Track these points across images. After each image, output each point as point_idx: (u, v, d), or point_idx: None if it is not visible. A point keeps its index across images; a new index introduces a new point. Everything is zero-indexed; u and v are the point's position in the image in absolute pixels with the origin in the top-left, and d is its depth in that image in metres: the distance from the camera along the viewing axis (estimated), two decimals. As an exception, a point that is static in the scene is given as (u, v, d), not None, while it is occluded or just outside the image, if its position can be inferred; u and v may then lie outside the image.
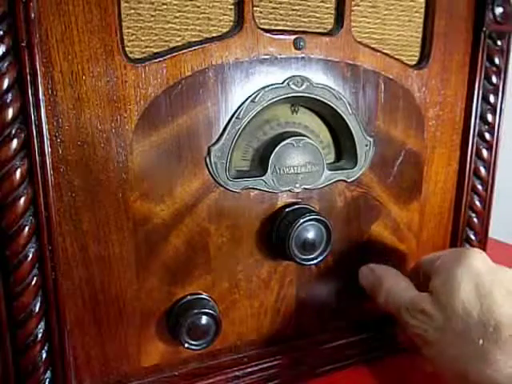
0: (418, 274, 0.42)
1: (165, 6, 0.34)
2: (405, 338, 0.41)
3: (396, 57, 0.43)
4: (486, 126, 0.49)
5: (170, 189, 0.37)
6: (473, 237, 0.51)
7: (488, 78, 0.47)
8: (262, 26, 0.37)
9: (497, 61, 0.47)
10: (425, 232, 0.49)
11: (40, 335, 0.34)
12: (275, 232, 0.40)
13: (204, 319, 0.38)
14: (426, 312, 0.37)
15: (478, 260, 0.37)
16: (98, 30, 0.32)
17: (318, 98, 0.40)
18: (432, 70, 0.45)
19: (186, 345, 0.38)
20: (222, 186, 0.38)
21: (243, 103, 0.37)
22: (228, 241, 0.40)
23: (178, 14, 0.35)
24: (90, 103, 0.33)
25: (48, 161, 0.32)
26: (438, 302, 0.36)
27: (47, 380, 0.35)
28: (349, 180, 0.43)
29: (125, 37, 0.33)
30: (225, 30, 0.36)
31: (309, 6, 0.39)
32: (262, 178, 0.39)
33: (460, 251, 0.39)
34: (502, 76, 0.48)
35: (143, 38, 0.34)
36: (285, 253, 0.40)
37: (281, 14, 0.38)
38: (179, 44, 0.35)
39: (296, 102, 0.41)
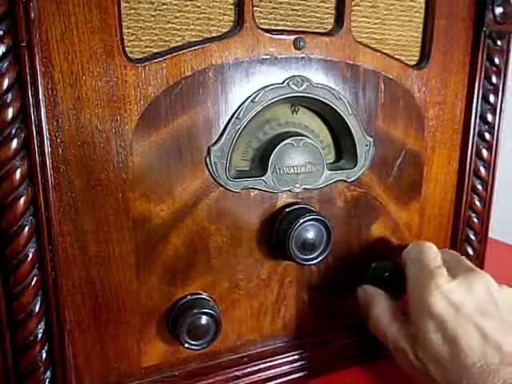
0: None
1: (165, 6, 0.34)
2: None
3: (396, 57, 0.43)
4: (486, 126, 0.49)
5: (170, 189, 0.37)
6: (473, 237, 0.51)
7: (488, 78, 0.47)
8: (262, 26, 0.37)
9: (497, 61, 0.47)
10: (425, 232, 0.49)
11: (40, 335, 0.34)
12: (275, 232, 0.40)
13: (204, 319, 0.38)
14: (407, 356, 0.38)
15: (440, 297, 0.36)
16: (98, 30, 0.32)
17: (317, 97, 0.40)
18: (432, 70, 0.45)
19: (186, 345, 0.38)
20: (222, 185, 0.38)
21: (243, 103, 0.37)
22: (228, 241, 0.40)
23: (178, 14, 0.35)
24: (89, 103, 0.33)
25: (48, 161, 0.32)
26: (414, 351, 0.37)
27: (47, 380, 0.35)
28: (349, 180, 0.43)
29: (125, 37, 0.33)
30: (225, 30, 0.36)
31: (309, 5, 0.39)
32: (262, 178, 0.39)
33: (423, 284, 0.38)
34: (502, 76, 0.48)
35: (143, 38, 0.34)
36: (285, 253, 0.40)
37: (281, 14, 0.38)
38: (179, 44, 0.35)
39: (296, 102, 0.41)
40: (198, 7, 0.35)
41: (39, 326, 0.33)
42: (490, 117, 0.48)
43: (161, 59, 0.34)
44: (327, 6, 0.40)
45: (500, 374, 0.32)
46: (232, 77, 0.36)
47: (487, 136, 0.49)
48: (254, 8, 0.37)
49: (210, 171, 0.37)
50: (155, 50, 0.35)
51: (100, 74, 0.33)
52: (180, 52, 0.35)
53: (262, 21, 0.38)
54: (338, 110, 0.41)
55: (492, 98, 0.48)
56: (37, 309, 0.33)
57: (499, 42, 0.47)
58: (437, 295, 0.36)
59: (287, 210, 0.40)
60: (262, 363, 0.43)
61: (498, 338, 0.34)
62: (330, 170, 0.42)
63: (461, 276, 0.37)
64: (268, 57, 0.37)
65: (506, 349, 0.33)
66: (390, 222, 0.47)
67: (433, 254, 0.41)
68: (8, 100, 0.30)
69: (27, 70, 0.30)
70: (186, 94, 0.35)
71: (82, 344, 0.37)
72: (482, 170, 0.50)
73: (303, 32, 0.39)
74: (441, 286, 0.36)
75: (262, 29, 0.37)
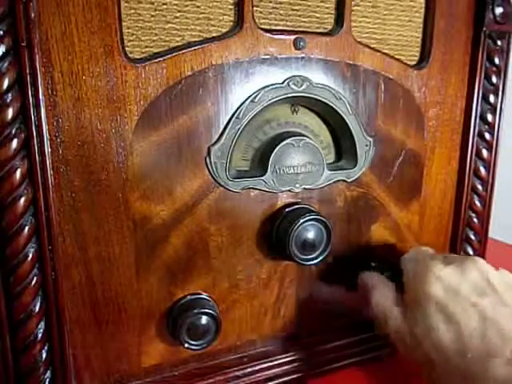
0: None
1: (165, 6, 0.34)
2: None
3: (396, 57, 0.43)
4: (486, 126, 0.49)
5: (170, 189, 0.36)
6: (473, 237, 0.51)
7: (488, 78, 0.47)
8: (262, 26, 0.37)
9: (497, 61, 0.47)
10: (425, 232, 0.49)
11: (40, 335, 0.34)
12: (275, 232, 0.40)
13: (204, 319, 0.38)
14: (407, 344, 0.37)
15: (437, 284, 0.37)
16: (98, 30, 0.32)
17: (318, 98, 0.40)
18: (432, 70, 0.45)
19: (186, 345, 0.38)
20: (222, 186, 0.38)
21: (243, 103, 0.37)
22: (228, 241, 0.40)
23: (178, 14, 0.35)
24: (90, 103, 0.33)
25: (48, 161, 0.32)
26: (414, 338, 0.37)
27: (47, 380, 0.35)
28: (349, 180, 0.43)
29: (125, 37, 0.33)
30: (225, 30, 0.36)
31: (309, 5, 0.39)
32: (262, 178, 0.39)
33: (421, 272, 0.39)
34: (502, 76, 0.48)
35: (143, 38, 0.34)
36: (285, 253, 0.40)
37: (281, 14, 0.38)
38: (179, 44, 0.35)
39: (296, 102, 0.41)
40: (198, 7, 0.35)
41: (39, 326, 0.33)
42: (490, 117, 0.48)
43: (161, 59, 0.34)
44: (327, 5, 0.40)
45: (500, 353, 0.32)
46: (232, 77, 0.36)
47: (487, 136, 0.49)
48: (254, 8, 0.37)
49: (210, 171, 0.37)
50: (155, 50, 0.35)
51: (100, 74, 0.33)
52: (180, 52, 0.35)
53: (262, 21, 0.38)
54: (338, 110, 0.41)
55: (492, 98, 0.48)
56: (37, 309, 0.33)
57: (499, 42, 0.47)
58: (435, 282, 0.37)
59: (287, 209, 0.40)
60: (262, 363, 0.43)
61: (496, 316, 0.34)
62: (330, 170, 0.42)
63: (455, 262, 0.38)
64: (268, 57, 0.37)
65: (506, 327, 0.33)
66: (390, 222, 0.47)
67: (428, 251, 0.42)
68: (8, 100, 0.30)
69: (27, 69, 0.30)
70: (186, 94, 0.35)
71: (81, 344, 0.37)
72: (482, 170, 0.50)
73: (303, 32, 0.39)
74: (437, 273, 0.37)
75: (262, 29, 0.37)
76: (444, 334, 0.35)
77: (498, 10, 0.45)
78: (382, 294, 0.41)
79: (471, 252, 0.52)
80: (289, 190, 0.41)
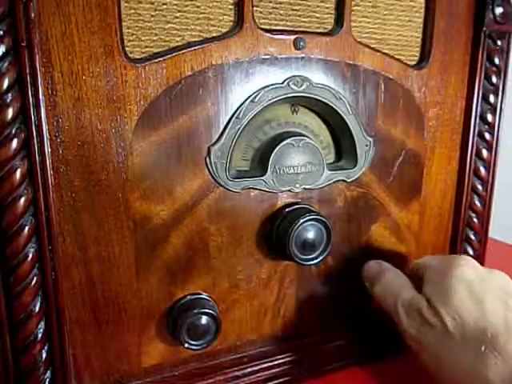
0: (411, 278, 0.43)
1: (165, 6, 0.34)
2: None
3: (396, 57, 0.43)
4: (486, 126, 0.49)
5: (170, 189, 0.37)
6: (473, 237, 0.51)
7: (488, 78, 0.47)
8: (262, 26, 0.37)
9: (497, 61, 0.47)
10: (425, 232, 0.49)
11: (40, 335, 0.34)
12: (275, 232, 0.40)
13: (204, 319, 0.38)
14: (422, 314, 0.37)
15: (469, 268, 0.38)
16: (98, 30, 0.32)
17: (318, 98, 0.40)
18: (432, 70, 0.45)
19: (186, 345, 0.38)
20: (222, 186, 0.38)
21: (243, 103, 0.37)
22: (228, 241, 0.40)
23: (178, 14, 0.35)
24: (90, 103, 0.33)
25: (48, 161, 0.32)
26: (433, 307, 0.37)
27: (47, 380, 0.35)
28: (349, 180, 0.43)
29: (125, 37, 0.33)
30: (225, 30, 0.36)
31: (309, 5, 0.39)
32: (262, 178, 0.39)
33: (450, 259, 0.40)
34: (502, 76, 0.48)
35: (143, 38, 0.34)
36: (285, 253, 0.40)
37: (281, 14, 0.38)
38: (179, 44, 0.35)
39: (296, 102, 0.41)
40: (198, 7, 0.35)
41: (39, 326, 0.33)
42: (490, 117, 0.48)
43: (161, 59, 0.34)
44: (327, 5, 0.40)
45: None
46: (232, 77, 0.36)
47: (487, 136, 0.49)
48: (254, 8, 0.37)
49: (210, 171, 0.37)
50: (155, 50, 0.35)
51: (100, 74, 0.33)
52: (180, 52, 0.35)
53: (262, 21, 0.38)
54: (338, 110, 0.41)
55: (492, 98, 0.48)
56: (37, 309, 0.33)
57: (499, 42, 0.47)
58: (465, 265, 0.38)
59: (287, 209, 0.40)
60: (262, 363, 0.43)
61: None
62: (330, 170, 0.42)
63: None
64: (268, 57, 0.37)
65: None
66: (390, 222, 0.47)
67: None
68: (8, 100, 0.30)
69: (27, 69, 0.30)
70: (186, 94, 0.35)
71: (81, 344, 0.37)
72: (482, 169, 0.50)
73: (303, 32, 0.39)
74: (468, 259, 0.39)
75: (262, 29, 0.37)
76: (468, 308, 0.36)
77: (498, 10, 0.45)
78: (393, 275, 0.42)
79: (471, 252, 0.52)
80: (289, 190, 0.41)
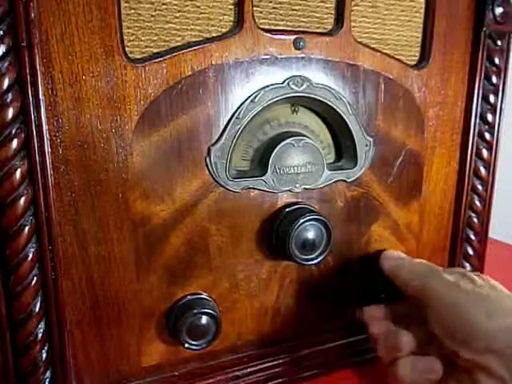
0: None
1: (165, 6, 0.34)
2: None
3: (396, 57, 0.43)
4: (486, 126, 0.49)
5: (170, 189, 0.36)
6: (473, 237, 0.51)
7: (488, 78, 0.47)
8: (262, 26, 0.37)
9: (497, 61, 0.47)
10: (425, 232, 0.49)
11: (40, 335, 0.34)
12: (275, 232, 0.40)
13: (204, 319, 0.38)
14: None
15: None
16: (98, 30, 0.32)
17: (318, 98, 0.40)
18: (432, 70, 0.45)
19: (186, 345, 0.38)
20: (222, 185, 0.38)
21: (243, 103, 0.37)
22: (228, 241, 0.40)
23: (178, 14, 0.35)
24: (90, 103, 0.33)
25: (48, 161, 0.32)
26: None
27: (47, 380, 0.35)
28: (349, 180, 0.43)
29: (125, 37, 0.33)
30: (225, 30, 0.36)
31: (309, 5, 0.39)
32: (262, 177, 0.39)
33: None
34: (502, 76, 0.48)
35: (143, 38, 0.34)
36: (285, 253, 0.40)
37: (281, 14, 0.38)
38: (179, 44, 0.35)
39: (296, 102, 0.41)
40: (198, 7, 0.35)
41: (39, 326, 0.33)
42: (490, 117, 0.48)
43: (161, 59, 0.34)
44: (327, 5, 0.40)
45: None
46: (232, 77, 0.36)
47: (487, 136, 0.49)
48: (254, 8, 0.37)
49: (210, 171, 0.37)
50: (155, 50, 0.35)
51: (100, 74, 0.33)
52: (180, 52, 0.35)
53: (262, 21, 0.38)
54: (338, 110, 0.41)
55: (492, 98, 0.48)
56: (37, 309, 0.33)
57: (499, 42, 0.47)
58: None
59: (287, 209, 0.40)
60: (262, 363, 0.43)
61: None
62: (330, 170, 0.42)
63: None
64: (268, 57, 0.37)
65: None
66: (390, 222, 0.47)
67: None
68: (8, 100, 0.30)
69: (27, 69, 0.30)
70: (186, 94, 0.35)
71: (81, 344, 0.37)
72: (482, 169, 0.50)
73: (303, 32, 0.39)
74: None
75: (262, 29, 0.37)
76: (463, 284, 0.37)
77: (498, 10, 0.45)
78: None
79: (471, 252, 0.52)
80: (289, 190, 0.41)
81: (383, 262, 0.45)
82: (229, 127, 0.37)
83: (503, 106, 0.49)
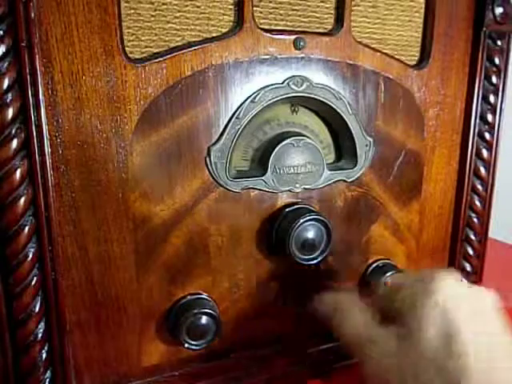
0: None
1: (165, 6, 0.34)
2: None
3: (396, 57, 0.43)
4: (486, 126, 0.49)
5: (170, 189, 0.36)
6: (473, 237, 0.51)
7: (488, 78, 0.47)
8: (261, 26, 0.37)
9: (497, 61, 0.47)
10: (425, 232, 0.49)
11: (40, 335, 0.34)
12: (275, 232, 0.40)
13: (204, 319, 0.38)
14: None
15: (444, 295, 0.34)
16: (98, 30, 0.32)
17: (317, 98, 0.40)
18: (432, 70, 0.45)
19: (186, 345, 0.38)
20: (221, 186, 0.38)
21: (243, 103, 0.37)
22: (228, 241, 0.40)
23: (178, 14, 0.35)
24: (89, 103, 0.33)
25: (48, 161, 0.32)
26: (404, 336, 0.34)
27: (47, 380, 0.35)
28: (349, 180, 0.43)
29: (125, 37, 0.33)
30: (225, 30, 0.36)
31: (309, 5, 0.39)
32: (262, 178, 0.39)
33: (425, 283, 0.35)
34: (502, 76, 0.48)
35: (143, 38, 0.34)
36: (285, 253, 0.40)
37: (281, 14, 0.38)
38: (179, 44, 0.35)
39: (296, 102, 0.41)
40: (198, 7, 0.35)
41: (39, 326, 0.33)
42: (490, 117, 0.48)
43: (161, 59, 0.34)
44: (327, 5, 0.40)
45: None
46: (232, 77, 0.36)
47: (487, 136, 0.49)
48: (254, 8, 0.37)
49: (210, 171, 0.37)
50: (155, 50, 0.35)
51: (100, 74, 0.33)
52: (180, 52, 0.35)
53: (262, 21, 0.38)
54: (338, 110, 0.41)
55: (492, 98, 0.48)
56: (37, 309, 0.33)
57: (499, 42, 0.47)
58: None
59: (287, 209, 0.40)
60: (263, 363, 0.43)
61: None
62: (330, 170, 0.42)
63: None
64: (268, 57, 0.37)
65: None
66: (390, 222, 0.47)
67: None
68: (8, 100, 0.30)
69: (27, 69, 0.30)
70: (186, 94, 0.35)
71: (81, 344, 0.36)
72: (482, 169, 0.50)
73: (303, 32, 0.39)
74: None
75: (262, 29, 0.37)
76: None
77: (498, 10, 0.45)
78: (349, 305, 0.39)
79: (471, 252, 0.52)
80: (289, 190, 0.41)
81: (316, 305, 0.41)
82: (229, 127, 0.37)
83: (503, 106, 0.49)
